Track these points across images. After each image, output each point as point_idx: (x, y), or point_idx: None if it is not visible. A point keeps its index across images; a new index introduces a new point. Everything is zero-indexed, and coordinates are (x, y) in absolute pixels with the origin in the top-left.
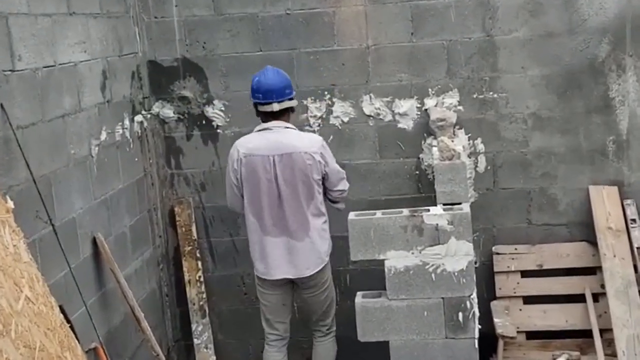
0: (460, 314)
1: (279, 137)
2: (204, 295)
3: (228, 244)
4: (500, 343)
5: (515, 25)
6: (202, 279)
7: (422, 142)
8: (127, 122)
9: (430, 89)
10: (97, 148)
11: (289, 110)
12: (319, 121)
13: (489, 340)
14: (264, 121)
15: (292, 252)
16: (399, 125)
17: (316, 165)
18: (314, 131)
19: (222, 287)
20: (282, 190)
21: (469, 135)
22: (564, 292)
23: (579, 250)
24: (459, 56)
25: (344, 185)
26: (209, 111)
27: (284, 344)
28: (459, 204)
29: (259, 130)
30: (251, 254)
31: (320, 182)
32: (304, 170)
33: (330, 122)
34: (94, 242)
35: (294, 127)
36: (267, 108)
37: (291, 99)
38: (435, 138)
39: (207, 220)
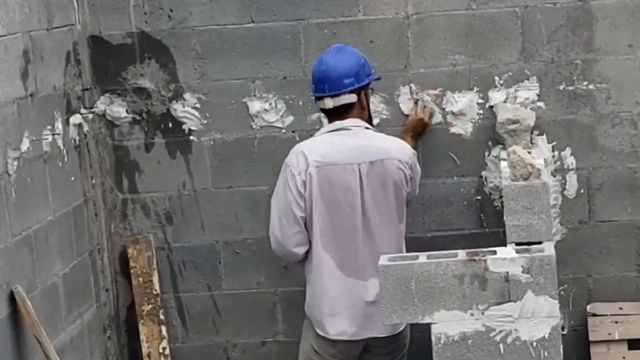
0: None
1: (362, 139)
2: None
3: (205, 302)
4: None
5: None
6: (167, 352)
7: (486, 154)
8: (59, 125)
9: (497, 78)
10: (15, 162)
11: (358, 105)
12: None
13: None
14: (332, 120)
15: (379, 299)
16: (453, 130)
17: (407, 180)
18: None
19: None
20: (371, 212)
21: (554, 144)
22: None
23: None
24: (538, 29)
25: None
26: (178, 109)
27: None
28: (539, 243)
29: (332, 131)
30: (314, 306)
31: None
32: (397, 182)
33: None
34: (12, 297)
35: (374, 128)
36: (321, 104)
37: (353, 91)
38: (504, 148)
39: (175, 267)
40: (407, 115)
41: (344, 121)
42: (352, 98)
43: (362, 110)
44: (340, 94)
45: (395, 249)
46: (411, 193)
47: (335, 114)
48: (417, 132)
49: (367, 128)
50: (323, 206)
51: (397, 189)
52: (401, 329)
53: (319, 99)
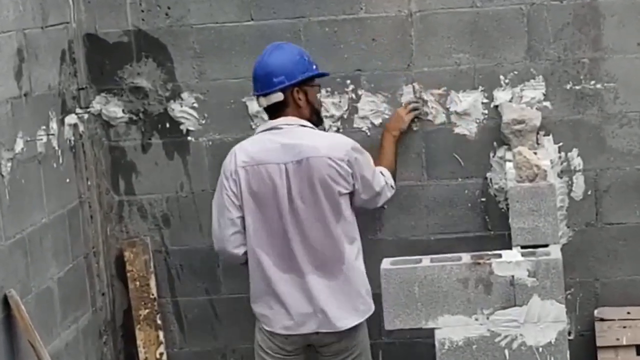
0: None
1: (292, 138)
2: None
3: (203, 306)
4: None
5: None
6: (165, 357)
7: (491, 154)
8: (54, 126)
9: (502, 77)
10: (9, 163)
11: (292, 103)
12: (338, 123)
13: None
14: (270, 119)
15: (321, 295)
16: (457, 130)
17: (343, 176)
18: None
19: None
20: (301, 210)
21: (560, 144)
22: None
23: None
24: (544, 27)
25: (384, 199)
26: (176, 109)
27: None
28: (545, 246)
29: (263, 131)
30: (256, 302)
31: (348, 198)
32: (327, 181)
33: (355, 125)
34: (5, 302)
35: (312, 125)
36: (258, 103)
37: (285, 89)
38: (510, 149)
39: (173, 271)
40: None
41: (275, 120)
42: (279, 97)
43: (298, 108)
44: (270, 93)
45: (334, 248)
46: (364, 190)
47: (270, 113)
48: (391, 126)
49: (302, 126)
50: (253, 206)
51: (327, 187)
52: (348, 327)
53: (257, 97)
